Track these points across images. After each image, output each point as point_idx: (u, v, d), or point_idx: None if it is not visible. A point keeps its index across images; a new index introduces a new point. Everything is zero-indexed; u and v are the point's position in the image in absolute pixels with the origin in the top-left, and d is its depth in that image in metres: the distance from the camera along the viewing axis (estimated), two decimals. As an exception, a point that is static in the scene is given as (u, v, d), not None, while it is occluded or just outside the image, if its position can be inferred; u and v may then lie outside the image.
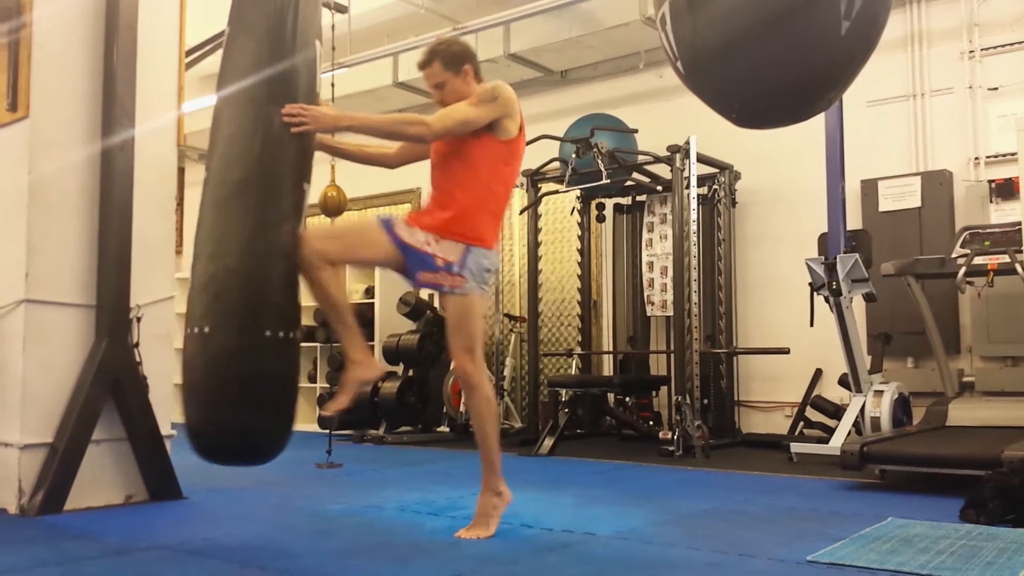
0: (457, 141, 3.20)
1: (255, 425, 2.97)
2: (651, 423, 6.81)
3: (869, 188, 6.17)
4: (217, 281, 2.92)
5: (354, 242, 3.28)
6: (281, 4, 3.06)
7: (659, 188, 6.74)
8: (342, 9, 5.74)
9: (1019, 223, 5.01)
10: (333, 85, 5.64)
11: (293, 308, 3.03)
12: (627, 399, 6.95)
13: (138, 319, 3.95)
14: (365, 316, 7.84)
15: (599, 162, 6.21)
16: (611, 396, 6.96)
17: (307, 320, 8.12)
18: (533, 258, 6.95)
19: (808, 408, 6.12)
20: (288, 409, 3.07)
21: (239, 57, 3.08)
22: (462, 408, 7.14)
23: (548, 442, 5.92)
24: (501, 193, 3.27)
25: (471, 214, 3.17)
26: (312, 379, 8.23)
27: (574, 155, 6.38)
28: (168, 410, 4.18)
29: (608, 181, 6.28)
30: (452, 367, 3.32)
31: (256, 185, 2.96)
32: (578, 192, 6.95)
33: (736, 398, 6.62)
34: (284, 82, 3.04)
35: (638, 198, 7.12)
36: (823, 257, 5.08)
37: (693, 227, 5.95)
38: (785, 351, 6.02)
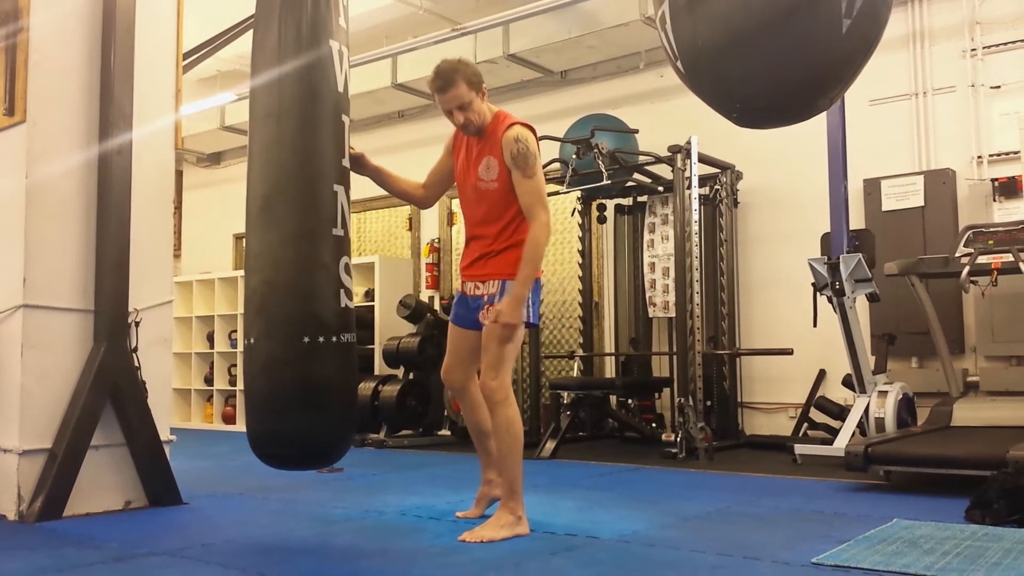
0: (483, 188, 3.36)
1: (303, 431, 3.03)
2: (654, 425, 6.78)
3: (872, 187, 6.15)
4: (257, 295, 3.06)
5: (456, 353, 3.52)
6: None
7: (660, 189, 6.72)
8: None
9: (1023, 221, 4.98)
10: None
11: (334, 313, 3.07)
12: (629, 401, 6.93)
13: (136, 323, 3.94)
14: (365, 319, 7.83)
15: (600, 163, 6.20)
16: (613, 398, 6.93)
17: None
18: (534, 259, 6.92)
19: (812, 409, 6.10)
20: (337, 411, 3.09)
21: (273, 68, 3.13)
22: (462, 411, 7.11)
23: (550, 445, 5.90)
24: (527, 227, 3.35)
25: (506, 253, 3.31)
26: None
27: (575, 156, 6.36)
28: (167, 415, 4.16)
29: (609, 182, 6.26)
30: (480, 382, 3.41)
31: (281, 198, 3.07)
32: (579, 193, 6.93)
33: (739, 399, 6.60)
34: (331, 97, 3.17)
35: (639, 199, 7.10)
36: (826, 257, 5.06)
37: (695, 228, 5.93)
38: (788, 352, 6.00)
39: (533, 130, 3.43)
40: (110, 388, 3.80)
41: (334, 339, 3.04)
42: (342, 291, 3.11)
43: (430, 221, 8.54)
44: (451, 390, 3.66)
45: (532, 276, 3.25)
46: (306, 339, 2.98)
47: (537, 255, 3.28)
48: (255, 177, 3.14)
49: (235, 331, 8.80)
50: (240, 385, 8.72)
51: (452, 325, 3.55)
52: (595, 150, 6.20)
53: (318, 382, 3.02)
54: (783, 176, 6.62)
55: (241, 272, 9.19)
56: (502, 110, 3.48)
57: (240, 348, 3.04)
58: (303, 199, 3.10)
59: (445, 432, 7.32)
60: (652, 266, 6.87)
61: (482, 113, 3.35)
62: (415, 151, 7.97)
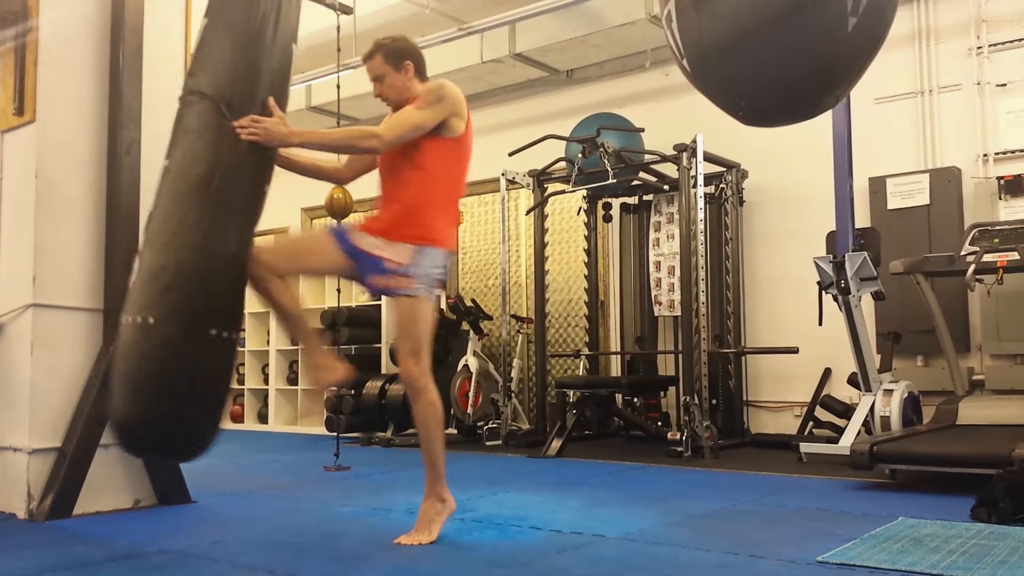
0: (403, 144, 3.19)
1: (190, 423, 2.93)
2: (659, 424, 6.79)
3: (877, 186, 6.15)
4: (168, 273, 2.86)
5: (302, 252, 3.31)
6: (265, 6, 3.02)
7: (666, 187, 6.72)
8: (347, 10, 5.74)
9: (1029, 220, 4.99)
10: (339, 87, 5.65)
11: (238, 309, 3.03)
12: (635, 400, 6.93)
13: (145, 323, 3.94)
14: (372, 318, 7.85)
15: (605, 162, 6.20)
16: (619, 397, 6.95)
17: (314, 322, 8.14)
18: (540, 259, 6.94)
19: (817, 408, 6.09)
20: (220, 409, 3.03)
21: (214, 53, 3.01)
22: (469, 410, 7.14)
23: (556, 443, 5.91)
24: (451, 192, 3.27)
25: (420, 214, 3.16)
26: (320, 381, 8.22)
27: (580, 155, 6.36)
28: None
29: (614, 181, 6.26)
30: (399, 371, 3.29)
31: (218, 183, 2.91)
32: (584, 192, 6.94)
33: (745, 398, 6.60)
34: (254, 85, 3.00)
35: (645, 197, 7.10)
36: (831, 255, 5.06)
37: (700, 226, 5.93)
38: (794, 350, 6.00)
39: (462, 96, 3.25)
40: (119, 387, 3.82)
41: (233, 335, 2.97)
42: (245, 289, 3.08)
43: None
44: (257, 284, 3.12)
45: (315, 140, 3.14)
46: (212, 332, 2.88)
47: (336, 135, 3.21)
48: (192, 155, 2.96)
49: (243, 330, 8.81)
50: (237, 383, 8.75)
51: (327, 234, 3.26)
52: (601, 149, 6.21)
53: (214, 376, 2.95)
54: (788, 174, 6.62)
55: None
56: None
57: (140, 330, 2.75)
58: (250, 188, 3.01)
59: (452, 430, 7.33)
60: (658, 265, 6.87)
61: (399, 88, 3.26)
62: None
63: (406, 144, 3.18)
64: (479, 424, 6.92)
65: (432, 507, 3.21)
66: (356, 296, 8.29)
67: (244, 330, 3.06)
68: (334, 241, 3.19)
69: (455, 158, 3.25)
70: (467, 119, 3.26)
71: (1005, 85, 5.90)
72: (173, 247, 2.88)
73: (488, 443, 6.61)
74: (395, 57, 3.27)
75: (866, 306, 5.41)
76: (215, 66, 3.01)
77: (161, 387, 2.84)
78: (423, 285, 3.13)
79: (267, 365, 8.66)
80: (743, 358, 6.57)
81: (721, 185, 6.62)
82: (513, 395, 6.94)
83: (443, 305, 7.70)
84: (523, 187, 7.18)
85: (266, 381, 8.67)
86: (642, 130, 6.65)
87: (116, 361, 2.93)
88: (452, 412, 7.27)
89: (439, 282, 3.21)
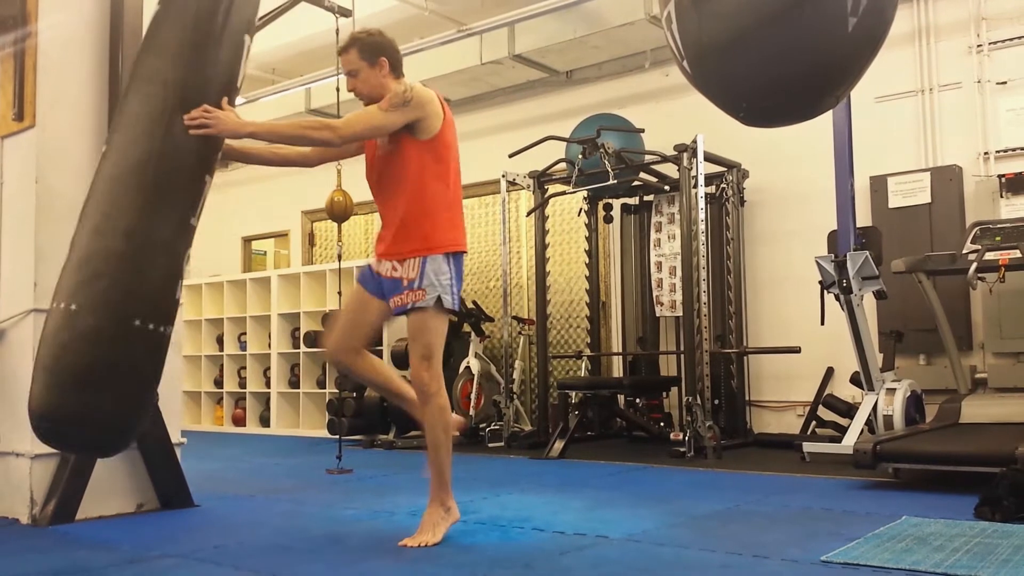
0: (383, 156, 3.22)
1: (108, 415, 2.79)
2: (662, 424, 6.78)
3: (878, 185, 6.14)
4: (97, 259, 2.77)
5: (352, 320, 3.34)
6: None
7: (667, 188, 6.71)
8: (346, 13, 5.73)
9: (1030, 218, 4.97)
10: (338, 90, 5.64)
11: (170, 301, 2.91)
12: (637, 400, 6.93)
13: (147, 327, 3.93)
14: (374, 320, 7.83)
15: (606, 162, 6.20)
16: (621, 397, 6.94)
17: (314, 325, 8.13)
18: (541, 260, 6.94)
19: (820, 407, 6.09)
20: (140, 405, 2.90)
21: (163, 37, 2.96)
22: (472, 412, 7.13)
23: (559, 445, 5.90)
24: (441, 190, 3.22)
25: (417, 225, 3.17)
26: (321, 384, 8.24)
27: (580, 156, 6.36)
28: (178, 418, 4.18)
29: (615, 181, 6.26)
30: (410, 376, 3.29)
31: (155, 167, 2.82)
32: (585, 193, 6.93)
33: (747, 398, 6.59)
34: (202, 73, 2.94)
35: (645, 198, 7.10)
36: (833, 255, 5.05)
37: (701, 226, 5.93)
38: (796, 350, 5.99)
39: (441, 100, 3.25)
40: (121, 391, 3.81)
41: (161, 328, 2.85)
42: (180, 282, 2.99)
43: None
44: (339, 367, 3.39)
45: (266, 131, 3.12)
46: (137, 323, 2.76)
47: (287, 127, 3.15)
48: (132, 136, 2.88)
49: (244, 334, 8.83)
50: (239, 387, 8.76)
51: (358, 286, 3.34)
52: (601, 150, 6.21)
53: (135, 368, 2.83)
54: (789, 174, 6.62)
55: (251, 275, 9.24)
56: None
57: (64, 317, 2.60)
58: (188, 179, 2.92)
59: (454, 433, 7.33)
60: (659, 265, 6.87)
61: (372, 84, 3.22)
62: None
63: (386, 157, 3.20)
64: (481, 426, 6.91)
65: (436, 512, 3.21)
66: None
67: (172, 325, 2.99)
68: (364, 289, 3.29)
69: (438, 157, 3.21)
70: (444, 116, 3.22)
71: (1006, 83, 5.90)
72: (103, 232, 2.78)
73: (490, 445, 6.60)
74: (371, 52, 3.24)
75: (868, 305, 5.40)
76: (163, 51, 2.94)
77: (80, 377, 2.72)
78: (432, 296, 3.14)
79: (268, 368, 8.66)
80: (745, 358, 6.57)
81: (722, 185, 6.62)
82: (515, 396, 6.93)
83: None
84: (524, 188, 7.17)
85: (268, 384, 8.67)
86: (642, 130, 6.65)
87: (39, 349, 2.81)
88: (454, 414, 7.27)
89: (451, 285, 3.20)
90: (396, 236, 3.20)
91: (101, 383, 2.74)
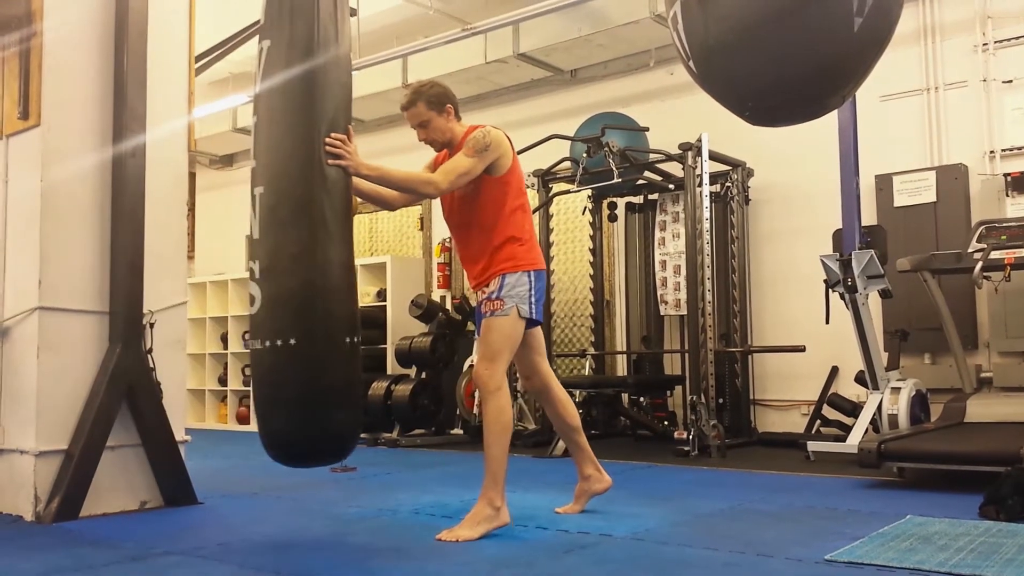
0: (463, 196, 3.45)
1: (347, 426, 3.14)
2: (666, 423, 6.78)
3: (884, 183, 6.13)
4: (301, 295, 3.05)
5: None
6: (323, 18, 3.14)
7: (671, 186, 6.71)
8: (351, 12, 5.74)
9: (1036, 217, 4.96)
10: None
11: (356, 314, 3.20)
12: (641, 399, 6.93)
13: (151, 325, 3.96)
14: (378, 319, 7.85)
15: (610, 161, 6.19)
16: (625, 396, 6.93)
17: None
18: (545, 258, 6.92)
19: (825, 406, 6.08)
20: (361, 408, 3.32)
21: (287, 72, 3.11)
22: (475, 410, 7.13)
23: (562, 443, 5.89)
24: (517, 219, 3.45)
25: (497, 254, 3.40)
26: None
27: (585, 154, 6.36)
28: (182, 415, 4.19)
29: (619, 180, 6.25)
30: (473, 373, 3.45)
31: (319, 202, 3.08)
32: (589, 192, 6.93)
33: (752, 397, 6.59)
34: (333, 101, 3.15)
35: (650, 197, 7.09)
36: (838, 253, 5.05)
37: (706, 225, 5.93)
38: (801, 349, 5.98)
39: (507, 136, 3.48)
40: (125, 389, 3.83)
41: (358, 339, 3.16)
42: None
43: (442, 221, 8.53)
44: (533, 393, 3.88)
45: (379, 176, 3.28)
46: (348, 339, 3.09)
47: (399, 176, 3.35)
48: (288, 179, 3.12)
49: (248, 331, 8.83)
50: (243, 385, 8.76)
51: (476, 320, 3.64)
52: (606, 148, 6.20)
53: (355, 381, 3.17)
54: (794, 173, 6.61)
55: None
56: (479, 124, 3.53)
57: (283, 352, 2.96)
58: (340, 199, 3.16)
59: (458, 431, 7.33)
60: (663, 264, 6.86)
61: (443, 131, 3.49)
62: (426, 152, 7.96)
63: (466, 196, 3.44)
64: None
65: (482, 510, 3.25)
66: (360, 297, 8.28)
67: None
68: (478, 321, 3.47)
69: (509, 191, 3.45)
70: (512, 154, 3.47)
71: (1011, 81, 5.88)
72: (297, 271, 3.06)
73: (494, 443, 6.59)
74: (437, 103, 3.47)
75: (873, 304, 5.39)
76: (295, 87, 3.13)
77: (313, 401, 3.04)
78: (510, 305, 3.34)
79: (273, 367, 8.66)
80: (750, 357, 6.56)
81: (727, 184, 6.61)
82: (519, 395, 6.93)
83: (448, 306, 7.71)
84: (528, 187, 7.16)
85: (272, 383, 8.66)
86: (647, 129, 6.65)
87: (268, 386, 3.09)
88: (458, 412, 7.28)
89: (530, 296, 3.39)
90: (483, 270, 3.43)
91: (330, 401, 3.07)
